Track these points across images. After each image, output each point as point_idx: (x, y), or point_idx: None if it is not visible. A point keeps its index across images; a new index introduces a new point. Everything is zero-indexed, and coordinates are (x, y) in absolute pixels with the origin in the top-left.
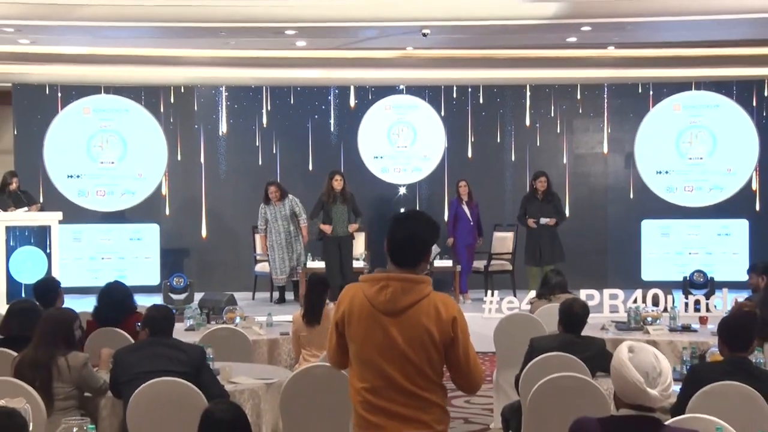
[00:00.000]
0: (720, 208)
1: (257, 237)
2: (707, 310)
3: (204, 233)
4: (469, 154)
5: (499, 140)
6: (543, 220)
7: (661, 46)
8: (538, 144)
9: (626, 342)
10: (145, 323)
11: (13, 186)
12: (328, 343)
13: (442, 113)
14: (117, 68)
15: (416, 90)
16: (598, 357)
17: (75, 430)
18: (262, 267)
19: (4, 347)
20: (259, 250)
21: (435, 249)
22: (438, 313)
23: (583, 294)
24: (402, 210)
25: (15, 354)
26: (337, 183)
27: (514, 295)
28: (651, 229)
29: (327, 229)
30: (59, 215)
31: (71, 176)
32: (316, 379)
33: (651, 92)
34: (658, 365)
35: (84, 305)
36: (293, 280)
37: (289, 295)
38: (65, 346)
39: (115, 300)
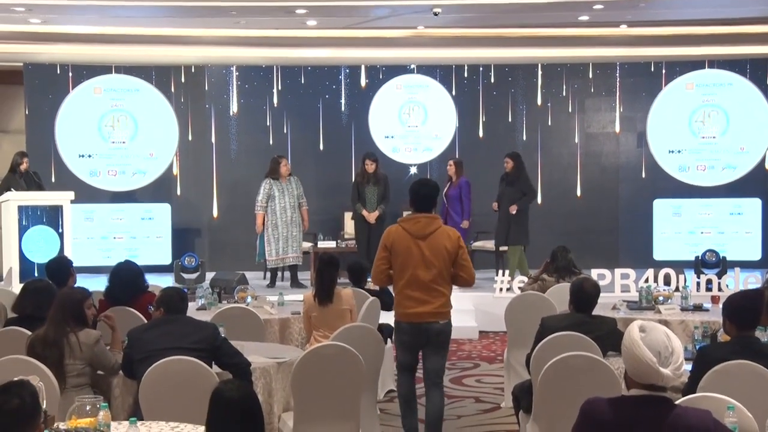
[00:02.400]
0: (732, 187)
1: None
2: (719, 289)
3: (215, 213)
4: (480, 134)
5: (510, 120)
6: (513, 209)
7: (674, 24)
8: (549, 123)
9: (636, 321)
10: (161, 303)
11: (24, 166)
12: (375, 262)
13: (453, 93)
14: (128, 48)
15: (427, 69)
16: (609, 336)
17: (88, 407)
18: None
19: (19, 326)
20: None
21: None
22: (449, 236)
23: (594, 273)
24: (416, 180)
25: (29, 333)
26: (369, 166)
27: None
28: (663, 208)
29: (370, 217)
30: (71, 195)
31: (83, 156)
32: (327, 358)
33: (664, 71)
34: (670, 344)
35: (96, 284)
36: (291, 265)
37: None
38: (76, 323)
39: (126, 279)
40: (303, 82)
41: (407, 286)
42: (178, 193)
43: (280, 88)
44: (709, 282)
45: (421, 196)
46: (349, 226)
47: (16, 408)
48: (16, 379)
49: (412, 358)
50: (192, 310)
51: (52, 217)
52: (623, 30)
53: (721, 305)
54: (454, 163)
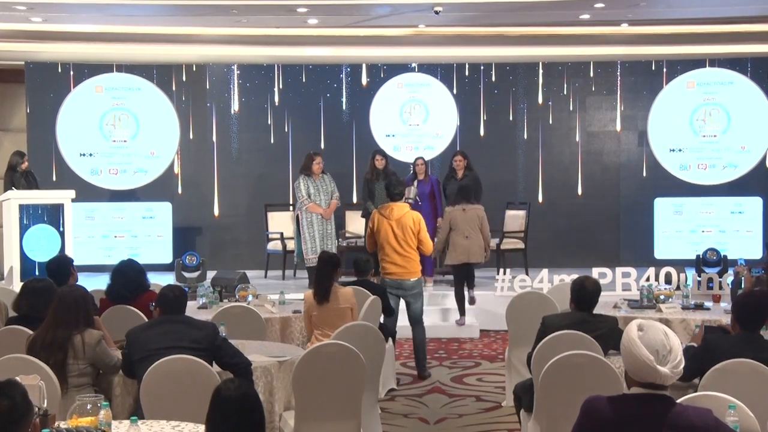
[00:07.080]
0: (733, 185)
1: (296, 213)
2: (720, 288)
3: (216, 211)
4: (482, 132)
5: (511, 118)
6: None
7: (675, 22)
8: (550, 122)
9: (636, 320)
10: (158, 303)
11: (24, 165)
12: (366, 237)
13: (455, 91)
14: (129, 46)
15: (428, 68)
16: (610, 335)
17: (89, 407)
18: (274, 245)
19: (20, 325)
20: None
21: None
22: (413, 219)
23: (595, 272)
24: (389, 182)
25: (30, 332)
26: (378, 162)
27: (527, 274)
28: (664, 207)
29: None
30: (72, 193)
31: (84, 154)
32: (328, 357)
33: (665, 69)
34: (668, 342)
35: (97, 283)
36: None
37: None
38: (85, 324)
39: (128, 278)
40: (304, 80)
41: (387, 255)
42: (179, 191)
43: (281, 86)
44: (710, 281)
45: (395, 189)
46: (349, 224)
47: (7, 409)
48: (11, 378)
49: (396, 304)
50: (193, 309)
51: (53, 215)
52: (624, 29)
53: (721, 304)
54: (423, 160)
